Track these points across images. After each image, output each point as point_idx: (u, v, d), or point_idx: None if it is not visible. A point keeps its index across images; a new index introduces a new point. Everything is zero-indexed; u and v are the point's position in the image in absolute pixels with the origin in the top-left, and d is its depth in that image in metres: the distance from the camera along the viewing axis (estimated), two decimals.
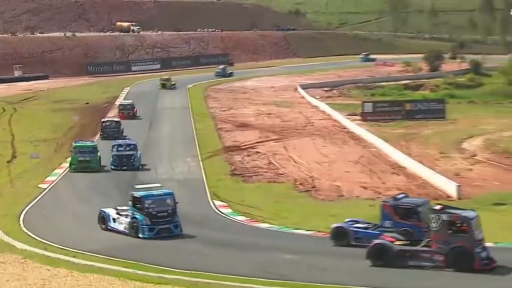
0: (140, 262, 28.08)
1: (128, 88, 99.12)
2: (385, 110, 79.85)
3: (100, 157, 50.98)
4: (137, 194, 33.77)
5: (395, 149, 57.40)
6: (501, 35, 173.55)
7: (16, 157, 54.83)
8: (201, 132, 66.90)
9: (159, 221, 32.80)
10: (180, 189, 44.81)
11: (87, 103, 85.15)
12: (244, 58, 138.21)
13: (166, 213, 33.14)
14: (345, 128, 69.85)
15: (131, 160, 50.26)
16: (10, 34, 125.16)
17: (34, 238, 32.43)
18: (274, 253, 30.17)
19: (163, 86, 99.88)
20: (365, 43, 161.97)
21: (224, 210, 38.97)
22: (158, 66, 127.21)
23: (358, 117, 76.14)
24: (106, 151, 51.98)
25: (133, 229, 32.70)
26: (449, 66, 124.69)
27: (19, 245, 31.04)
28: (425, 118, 77.51)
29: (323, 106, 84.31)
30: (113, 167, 50.23)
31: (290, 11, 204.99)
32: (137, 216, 32.78)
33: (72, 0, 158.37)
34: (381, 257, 27.33)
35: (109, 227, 34.05)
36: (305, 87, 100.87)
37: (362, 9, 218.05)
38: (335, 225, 31.26)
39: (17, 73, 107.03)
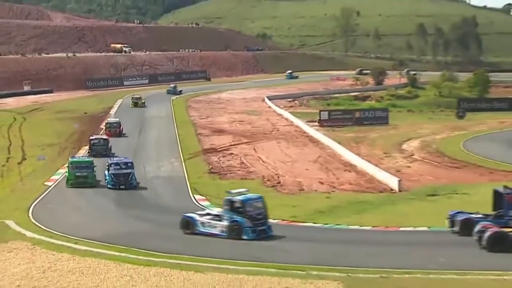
0: (131, 247, 28.10)
1: (121, 100, 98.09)
2: (339, 118, 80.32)
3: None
4: (237, 198, 30.56)
5: (347, 150, 57.57)
6: (432, 55, 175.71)
7: (25, 159, 54.40)
8: (183, 137, 66.53)
9: (258, 223, 30.16)
10: (165, 185, 45.04)
11: (86, 113, 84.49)
12: (219, 74, 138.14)
13: (261, 216, 30.67)
14: (305, 133, 69.87)
15: (129, 179, 43.04)
16: (20, 55, 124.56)
17: (41, 228, 32.32)
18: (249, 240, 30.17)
19: (135, 104, 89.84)
20: (321, 61, 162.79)
21: (203, 203, 38.83)
22: (146, 81, 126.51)
23: (316, 124, 76.29)
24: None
25: (234, 232, 29.76)
26: (391, 80, 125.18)
27: (29, 234, 30.98)
28: (372, 124, 78.10)
29: (286, 114, 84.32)
30: (110, 186, 42.76)
31: (258, 34, 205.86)
32: (237, 220, 29.90)
33: (73, 26, 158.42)
34: (500, 244, 26.76)
35: (197, 231, 30.77)
36: (271, 98, 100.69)
37: (318, 32, 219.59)
38: None
39: (26, 88, 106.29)
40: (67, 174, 44.13)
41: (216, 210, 32.77)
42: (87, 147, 56.19)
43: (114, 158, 47.58)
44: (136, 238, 30.13)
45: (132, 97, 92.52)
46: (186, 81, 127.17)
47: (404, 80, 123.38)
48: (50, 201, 39.92)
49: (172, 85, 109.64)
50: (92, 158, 48.25)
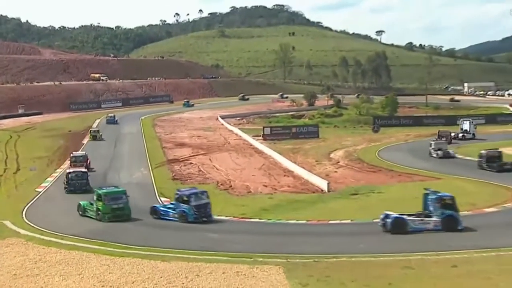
0: (108, 241, 27.88)
1: (99, 119, 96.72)
2: (279, 133, 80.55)
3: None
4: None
5: (285, 159, 57.73)
6: (353, 82, 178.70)
7: (20, 170, 53.39)
8: (151, 149, 65.83)
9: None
10: (136, 189, 44.14)
11: (70, 131, 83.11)
12: (180, 97, 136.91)
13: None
14: (251, 145, 69.80)
15: (208, 209, 33.48)
16: (15, 84, 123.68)
17: (33, 226, 31.86)
18: (203, 232, 30.30)
19: (93, 137, 72.90)
20: (264, 87, 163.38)
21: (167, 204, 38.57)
22: (120, 104, 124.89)
23: (260, 138, 76.16)
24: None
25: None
26: (320, 102, 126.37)
27: (22, 231, 30.54)
28: (305, 137, 78.50)
29: (236, 130, 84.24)
30: (191, 220, 32.31)
31: (212, 65, 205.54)
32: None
33: (59, 59, 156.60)
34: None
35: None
36: (223, 117, 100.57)
37: (261, 63, 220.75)
38: None
39: (20, 111, 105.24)
40: (100, 207, 32.93)
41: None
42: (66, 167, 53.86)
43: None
44: (112, 233, 29.79)
45: (90, 130, 76.41)
46: (153, 104, 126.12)
47: (331, 102, 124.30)
48: (40, 204, 39.25)
49: (111, 115, 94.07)
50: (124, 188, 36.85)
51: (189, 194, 33.09)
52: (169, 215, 33.28)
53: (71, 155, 51.29)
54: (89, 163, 50.76)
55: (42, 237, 29.24)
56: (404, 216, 29.52)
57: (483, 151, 51.87)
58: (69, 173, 43.17)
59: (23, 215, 35.13)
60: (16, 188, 45.29)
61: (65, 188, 42.40)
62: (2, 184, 47.14)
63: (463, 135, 72.78)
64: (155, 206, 34.88)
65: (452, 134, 70.80)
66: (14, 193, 43.60)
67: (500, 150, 51.75)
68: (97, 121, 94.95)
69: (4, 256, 25.68)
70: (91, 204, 34.08)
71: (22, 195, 41.89)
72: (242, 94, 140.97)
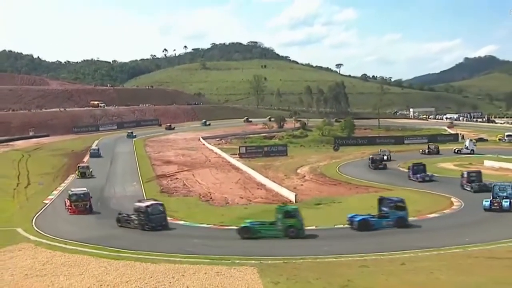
0: (106, 246, 27.66)
1: (98, 140, 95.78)
2: (253, 151, 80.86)
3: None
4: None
5: (259, 174, 57.76)
6: (316, 107, 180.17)
7: (30, 184, 53.31)
8: (142, 166, 65.32)
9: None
10: (129, 201, 43.64)
11: (72, 150, 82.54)
12: (167, 121, 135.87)
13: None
14: (229, 162, 69.74)
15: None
16: (27, 110, 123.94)
17: (41, 233, 31.83)
18: (187, 238, 30.10)
19: (82, 175, 55.89)
20: (239, 112, 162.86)
21: None
22: (115, 127, 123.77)
23: (237, 156, 76.19)
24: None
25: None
26: (289, 125, 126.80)
27: (32, 237, 30.60)
28: (276, 155, 78.96)
29: (216, 149, 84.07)
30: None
31: (195, 93, 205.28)
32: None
33: (64, 89, 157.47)
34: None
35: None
36: (205, 138, 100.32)
37: (237, 91, 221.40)
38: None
39: (31, 133, 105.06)
40: (293, 223, 29.19)
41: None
42: (73, 175, 54.16)
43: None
44: (109, 240, 29.52)
45: (79, 166, 58.65)
46: (143, 127, 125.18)
47: (297, 125, 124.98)
48: (47, 213, 39.09)
49: (95, 148, 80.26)
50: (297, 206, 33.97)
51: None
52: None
53: (70, 192, 39.96)
54: (91, 201, 39.47)
55: (49, 242, 29.25)
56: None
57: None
58: (147, 206, 32.90)
59: (33, 223, 35.06)
60: (27, 200, 45.15)
61: (141, 224, 32.38)
62: (15, 197, 47.12)
63: (459, 150, 75.14)
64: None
65: (455, 149, 75.04)
66: (25, 204, 43.45)
67: (423, 163, 54.82)
68: (96, 141, 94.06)
69: (17, 259, 25.81)
70: (274, 223, 29.82)
71: (32, 206, 41.62)
72: (204, 120, 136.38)
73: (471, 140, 77.65)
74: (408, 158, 69.23)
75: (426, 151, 76.58)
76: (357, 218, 31.00)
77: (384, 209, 32.46)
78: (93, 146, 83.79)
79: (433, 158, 69.21)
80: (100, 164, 66.50)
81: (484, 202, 35.97)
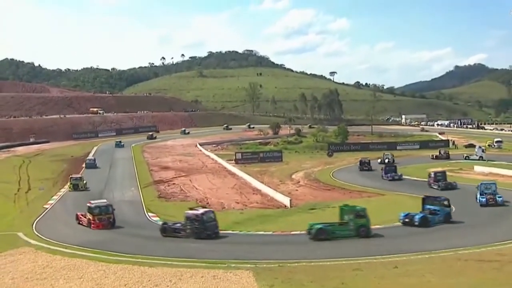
0: (104, 250, 27.62)
1: (96, 147, 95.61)
2: (249, 157, 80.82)
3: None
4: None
5: (254, 179, 57.72)
6: (311, 114, 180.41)
7: (30, 189, 53.04)
8: (140, 172, 65.24)
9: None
10: (127, 206, 43.87)
11: (72, 156, 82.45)
12: (165, 127, 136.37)
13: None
14: (225, 168, 69.73)
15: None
16: (28, 117, 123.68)
17: (41, 237, 31.80)
18: (186, 242, 29.92)
19: (75, 187, 50.65)
20: (236, 119, 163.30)
21: (154, 219, 38.22)
22: (114, 133, 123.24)
23: (233, 162, 76.18)
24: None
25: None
26: (284, 131, 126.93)
27: (33, 241, 30.62)
28: (271, 161, 78.95)
29: (212, 155, 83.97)
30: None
31: (193, 100, 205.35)
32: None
33: (64, 96, 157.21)
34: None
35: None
36: (201, 144, 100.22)
37: (233, 99, 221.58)
38: None
39: (31, 139, 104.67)
40: (365, 223, 30.13)
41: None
42: (66, 187, 53.02)
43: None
44: (107, 244, 29.45)
45: (71, 178, 52.62)
46: (141, 133, 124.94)
47: (292, 131, 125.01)
48: (47, 218, 39.03)
49: (91, 158, 73.33)
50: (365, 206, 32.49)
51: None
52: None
53: (91, 204, 35.33)
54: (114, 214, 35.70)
55: (49, 246, 29.24)
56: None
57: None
58: (203, 214, 31.41)
59: (33, 228, 34.99)
60: (28, 205, 44.98)
61: (196, 232, 30.58)
62: (16, 201, 46.94)
63: (467, 156, 74.25)
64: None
65: (465, 155, 74.43)
66: (26, 209, 43.34)
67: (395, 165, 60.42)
68: (95, 147, 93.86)
69: (18, 262, 25.82)
70: (343, 223, 30.51)
71: (32, 211, 41.55)
72: (226, 124, 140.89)
73: (480, 147, 77.05)
74: (409, 162, 70.54)
75: (435, 156, 76.79)
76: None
77: (429, 207, 34.54)
78: (89, 156, 77.56)
79: (431, 163, 69.80)
80: (99, 170, 66.29)
81: (480, 198, 39.89)
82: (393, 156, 74.84)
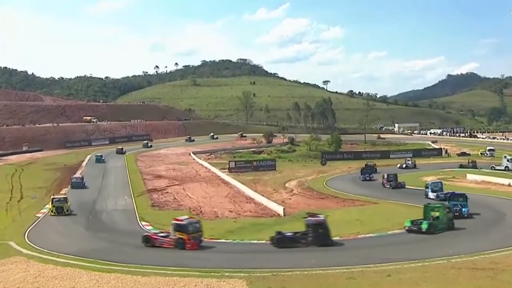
0: (97, 259, 27.33)
1: (90, 155, 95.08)
2: (242, 166, 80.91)
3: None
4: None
5: (248, 188, 57.82)
6: (304, 123, 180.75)
7: (23, 198, 52.85)
8: (133, 180, 65.10)
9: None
10: (121, 215, 43.69)
11: (65, 165, 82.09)
12: (158, 136, 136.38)
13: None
14: (219, 177, 69.74)
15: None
16: (21, 126, 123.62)
17: (33, 246, 31.51)
18: (178, 251, 29.73)
19: (59, 211, 42.51)
20: (229, 127, 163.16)
21: (147, 227, 38.00)
22: (107, 142, 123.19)
23: (226, 170, 76.26)
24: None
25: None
26: (277, 140, 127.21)
27: (25, 251, 30.28)
28: (264, 170, 79.03)
29: (206, 164, 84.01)
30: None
31: (186, 109, 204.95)
32: None
33: (58, 105, 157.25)
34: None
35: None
36: (195, 153, 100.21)
37: (227, 107, 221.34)
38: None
39: (24, 148, 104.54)
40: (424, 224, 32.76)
41: None
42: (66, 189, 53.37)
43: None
44: (100, 253, 29.21)
45: (53, 199, 43.81)
46: (135, 142, 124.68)
47: (286, 140, 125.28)
48: (39, 227, 38.66)
49: (78, 177, 63.29)
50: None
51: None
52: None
53: (181, 223, 31.10)
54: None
55: (41, 255, 28.89)
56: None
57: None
58: (324, 219, 31.56)
59: (26, 237, 34.67)
60: (20, 214, 44.62)
61: (319, 239, 30.15)
62: (8, 210, 46.60)
63: (492, 166, 72.46)
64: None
65: (492, 166, 72.41)
66: (18, 218, 42.99)
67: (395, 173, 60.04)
68: (88, 156, 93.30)
69: (9, 272, 25.47)
70: (437, 218, 33.86)
71: (24, 220, 41.27)
72: (212, 134, 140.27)
73: (505, 156, 76.04)
74: (402, 171, 70.24)
75: (462, 165, 76.16)
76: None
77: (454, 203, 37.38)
78: (76, 175, 66.30)
79: (428, 171, 70.52)
80: (93, 178, 65.56)
81: (430, 195, 46.60)
82: (414, 161, 79.08)
